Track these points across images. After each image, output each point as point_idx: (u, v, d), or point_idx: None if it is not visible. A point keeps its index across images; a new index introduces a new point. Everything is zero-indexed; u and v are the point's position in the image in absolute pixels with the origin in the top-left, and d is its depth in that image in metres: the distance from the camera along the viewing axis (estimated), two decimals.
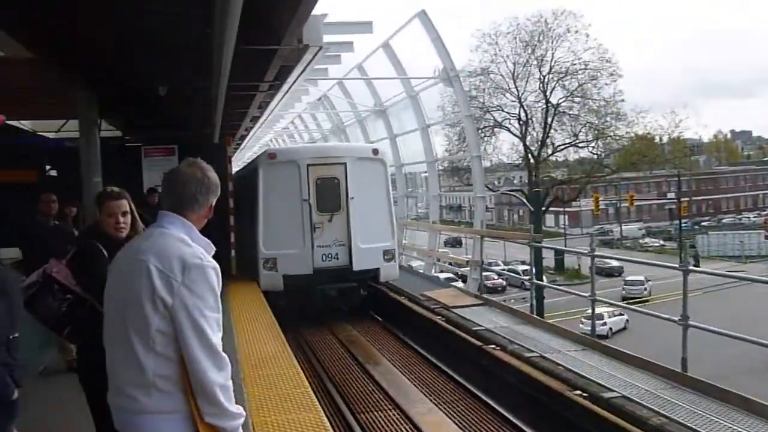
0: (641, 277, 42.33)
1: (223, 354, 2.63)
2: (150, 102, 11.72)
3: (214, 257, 2.74)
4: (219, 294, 2.66)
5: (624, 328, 33.00)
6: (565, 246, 44.28)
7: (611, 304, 10.81)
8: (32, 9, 6.55)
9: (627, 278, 44.03)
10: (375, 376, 10.11)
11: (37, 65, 8.54)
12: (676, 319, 8.11)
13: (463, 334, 10.81)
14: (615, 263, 45.11)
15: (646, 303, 38.42)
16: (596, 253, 10.42)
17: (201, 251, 2.70)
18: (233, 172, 15.43)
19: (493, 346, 9.87)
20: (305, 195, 13.32)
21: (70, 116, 11.87)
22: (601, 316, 36.49)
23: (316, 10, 8.29)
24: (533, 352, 9.21)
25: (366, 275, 13.77)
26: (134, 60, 9.13)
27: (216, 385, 2.58)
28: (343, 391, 9.47)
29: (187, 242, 2.70)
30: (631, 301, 38.66)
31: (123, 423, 2.70)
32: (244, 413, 2.72)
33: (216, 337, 2.61)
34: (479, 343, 10.15)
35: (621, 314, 32.19)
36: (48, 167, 12.97)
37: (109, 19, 7.22)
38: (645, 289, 42.06)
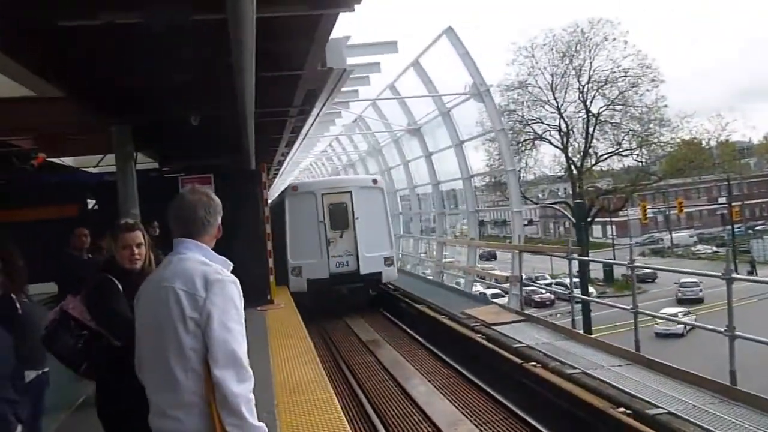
0: (695, 279, 41.45)
1: (248, 367, 2.70)
2: (184, 132, 11.87)
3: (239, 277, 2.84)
4: (241, 307, 2.79)
5: (681, 335, 32.09)
6: (614, 257, 43.39)
7: (654, 317, 10.41)
8: (52, 51, 6.70)
9: (681, 280, 43.45)
10: (414, 397, 9.97)
11: (68, 103, 8.74)
12: (722, 330, 7.79)
13: (504, 352, 10.63)
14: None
15: (701, 305, 38.32)
16: (636, 264, 10.10)
17: (220, 268, 2.84)
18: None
19: (533, 363, 9.66)
20: (321, 217, 17.20)
21: (107, 151, 12.12)
22: (676, 315, 36.55)
23: (338, 33, 8.36)
24: (575, 368, 8.99)
25: (371, 277, 17.32)
26: (164, 93, 9.29)
27: (238, 397, 2.64)
28: (381, 414, 9.36)
29: (206, 263, 2.84)
30: (686, 302, 40.45)
31: None
32: (266, 429, 2.74)
33: (241, 349, 2.70)
34: (519, 361, 9.95)
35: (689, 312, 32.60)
36: (89, 201, 13.28)
37: (133, 62, 7.41)
38: (700, 290, 42.11)
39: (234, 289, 2.78)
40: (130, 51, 7.12)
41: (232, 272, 2.87)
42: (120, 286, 3.81)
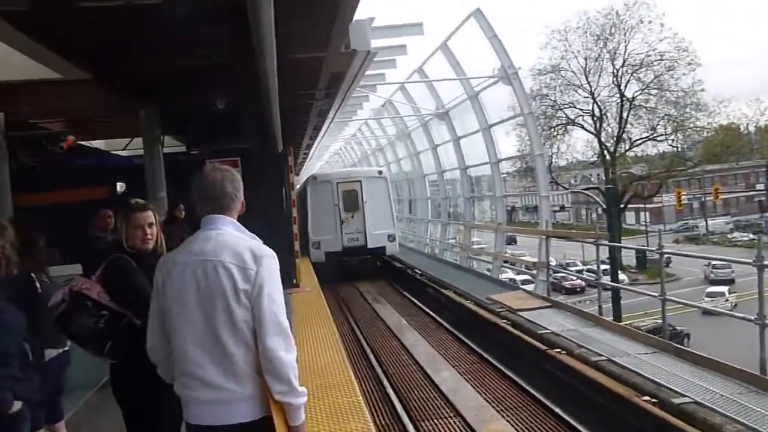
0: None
1: (292, 337, 2.86)
2: (210, 116, 11.96)
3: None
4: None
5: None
6: (647, 244, 42.72)
7: (683, 304, 10.24)
8: (78, 33, 6.75)
9: (713, 262, 43.27)
10: (437, 382, 9.94)
11: (95, 86, 8.83)
12: (752, 318, 7.61)
13: (528, 338, 10.54)
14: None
15: (734, 286, 38.53)
16: (665, 250, 9.89)
17: (260, 242, 2.97)
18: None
19: (558, 349, 9.56)
20: (336, 201, 20.83)
21: (135, 134, 12.26)
22: (723, 293, 37.35)
23: (362, 15, 8.29)
24: (601, 355, 8.87)
25: (377, 251, 21.10)
26: (190, 77, 9.32)
27: (288, 365, 2.78)
28: (404, 398, 9.34)
29: (245, 237, 2.95)
30: (718, 283, 41.07)
31: (214, 414, 2.84)
32: (307, 393, 2.90)
33: (285, 320, 2.85)
34: (544, 347, 9.86)
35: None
36: (119, 184, 13.44)
37: (158, 45, 7.46)
38: (732, 272, 42.24)
39: (276, 263, 2.91)
40: (154, 34, 7.15)
41: None
42: (135, 264, 3.81)
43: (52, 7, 5.69)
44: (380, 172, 23.06)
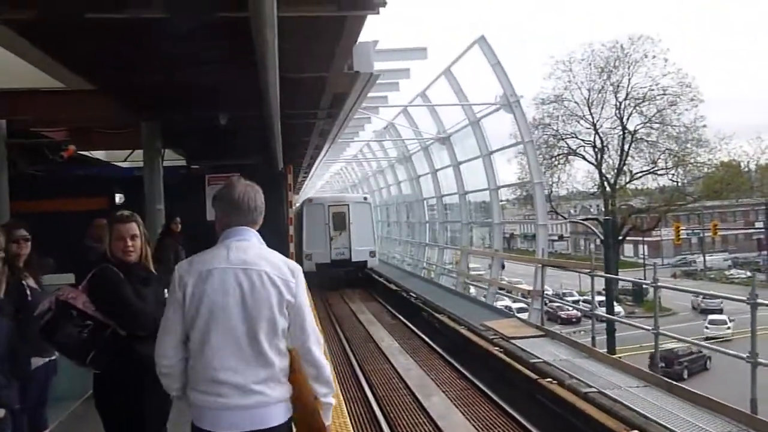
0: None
1: None
2: (212, 131, 12.00)
3: None
4: None
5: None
6: (644, 277, 42.62)
7: (676, 339, 10.19)
8: (83, 44, 6.79)
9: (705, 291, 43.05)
10: (426, 407, 9.87)
11: (99, 97, 8.88)
12: (744, 356, 7.58)
13: (520, 366, 10.47)
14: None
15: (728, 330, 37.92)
16: (661, 283, 9.88)
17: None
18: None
19: (549, 379, 9.50)
20: (327, 221, 24.68)
21: (136, 146, 12.29)
22: (724, 321, 37.71)
23: (367, 37, 8.34)
24: (591, 387, 8.80)
25: (359, 264, 24.95)
26: (192, 92, 9.37)
27: (326, 368, 2.99)
28: (392, 422, 9.27)
29: (269, 250, 3.05)
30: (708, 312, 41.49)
31: (252, 419, 2.86)
32: None
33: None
34: (535, 376, 9.79)
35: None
36: (117, 195, 13.46)
37: (162, 59, 7.53)
38: (721, 302, 42.21)
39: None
40: (157, 48, 7.21)
41: None
42: (121, 275, 3.79)
43: (58, 18, 5.73)
44: (365, 198, 27.85)
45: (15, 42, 6.37)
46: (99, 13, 5.69)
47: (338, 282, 24.32)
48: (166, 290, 3.65)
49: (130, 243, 3.81)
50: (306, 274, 3.07)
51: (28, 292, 4.64)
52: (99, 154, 14.51)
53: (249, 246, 2.97)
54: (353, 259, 24.67)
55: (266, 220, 10.90)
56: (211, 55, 7.28)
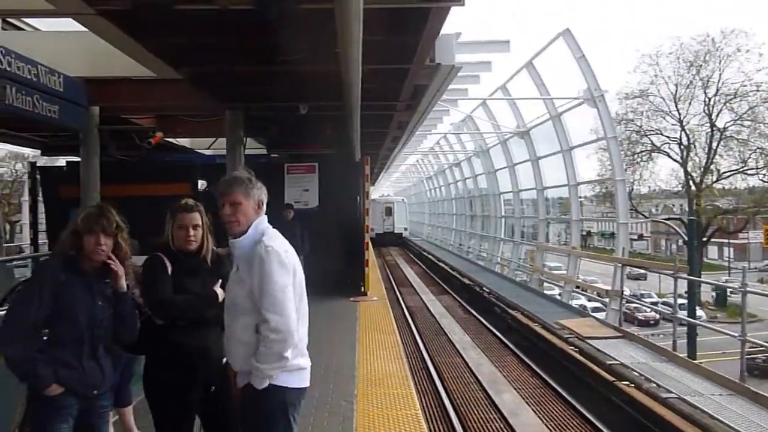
0: None
1: None
2: (292, 121, 12.21)
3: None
4: None
5: None
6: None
7: (763, 346, 9.67)
8: (172, 34, 7.01)
9: None
10: (498, 405, 9.77)
11: (186, 86, 9.15)
12: None
13: (596, 367, 10.22)
14: None
15: None
16: (749, 288, 9.42)
17: None
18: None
19: (626, 382, 9.24)
20: (381, 211, 44.00)
21: (219, 134, 12.63)
22: None
23: (449, 29, 8.29)
24: (671, 392, 8.51)
25: (398, 234, 45.52)
26: (275, 82, 9.56)
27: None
28: (463, 417, 9.22)
29: None
30: None
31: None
32: None
33: None
34: (612, 379, 9.54)
35: None
36: (200, 181, 13.87)
37: (248, 50, 7.71)
38: None
39: None
40: (244, 39, 7.37)
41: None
42: (169, 266, 3.80)
43: (150, 8, 5.93)
44: (403, 200, 50.76)
45: (109, 31, 6.64)
46: (188, 4, 5.86)
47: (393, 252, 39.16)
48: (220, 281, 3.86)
49: (192, 233, 3.81)
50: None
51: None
52: (184, 142, 14.99)
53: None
54: (395, 231, 45.51)
55: (345, 208, 11.26)
56: (296, 46, 7.38)
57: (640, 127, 42.79)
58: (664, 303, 36.70)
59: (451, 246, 40.61)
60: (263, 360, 3.16)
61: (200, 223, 3.87)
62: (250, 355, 3.22)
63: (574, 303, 19.24)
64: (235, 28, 6.82)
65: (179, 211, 3.86)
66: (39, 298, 3.30)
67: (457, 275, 24.41)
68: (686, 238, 31.86)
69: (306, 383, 3.36)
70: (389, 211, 45.11)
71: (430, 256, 34.31)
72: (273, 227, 3.39)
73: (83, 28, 6.98)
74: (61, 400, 3.35)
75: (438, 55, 8.48)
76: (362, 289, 14.07)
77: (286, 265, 3.22)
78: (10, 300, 3.40)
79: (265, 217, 3.40)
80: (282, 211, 11.91)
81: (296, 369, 3.28)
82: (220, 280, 3.82)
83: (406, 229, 46.83)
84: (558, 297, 18.48)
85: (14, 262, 15.03)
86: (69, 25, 8.35)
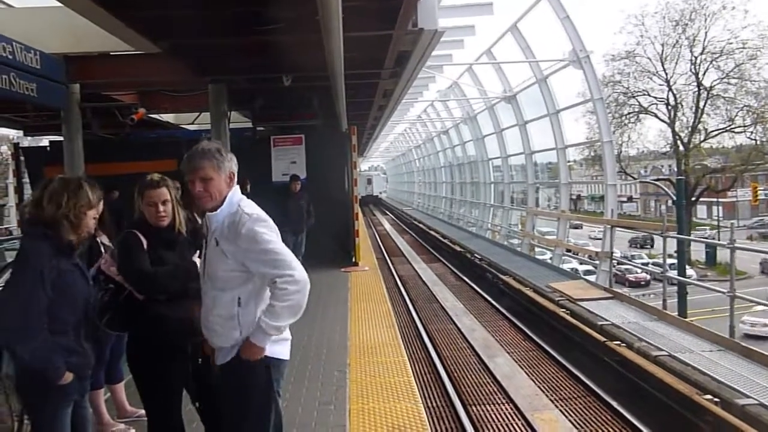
0: None
1: None
2: (277, 92, 12.06)
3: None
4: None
5: None
6: (718, 239, 41.15)
7: (752, 301, 9.67)
8: (150, 7, 6.88)
9: None
10: (491, 368, 9.85)
11: (166, 60, 9.00)
12: None
13: (587, 329, 10.33)
14: None
15: None
16: (737, 245, 9.47)
17: None
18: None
19: (618, 342, 9.34)
20: (365, 181, 65.89)
21: (203, 109, 12.47)
22: None
23: None
24: (662, 350, 8.63)
25: (377, 197, 71.26)
26: (257, 53, 9.40)
27: None
28: (456, 382, 9.29)
29: None
30: None
31: None
32: None
33: None
34: (603, 339, 9.65)
35: None
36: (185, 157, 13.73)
37: (227, 20, 7.57)
38: None
39: None
40: (222, 9, 7.24)
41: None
42: (144, 242, 3.78)
43: None
44: (379, 174, 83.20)
45: (85, 5, 6.50)
46: None
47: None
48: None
49: (162, 208, 3.78)
50: None
51: (103, 250, 4.79)
52: (168, 118, 14.81)
53: None
54: (373, 194, 68.18)
55: (334, 179, 11.21)
56: (276, 16, 7.25)
57: (627, 88, 42.75)
58: (654, 263, 36.99)
59: (441, 214, 40.66)
60: (278, 317, 3.09)
61: (169, 197, 3.83)
62: (232, 330, 3.18)
63: (566, 267, 19.33)
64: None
65: (147, 188, 3.81)
66: (42, 286, 3.16)
67: (449, 243, 24.47)
68: (674, 199, 32.07)
69: (288, 356, 3.34)
70: (369, 181, 70.50)
71: (420, 225, 34.37)
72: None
73: (58, 3, 6.83)
74: (69, 387, 3.30)
75: (420, 19, 8.34)
76: (353, 260, 14.08)
77: (271, 226, 3.18)
78: (6, 293, 3.25)
79: (238, 188, 3.32)
80: (290, 183, 11.83)
81: (282, 339, 3.26)
82: (197, 251, 3.80)
83: (380, 193, 75.29)
84: (549, 261, 18.56)
85: (3, 245, 15.01)
86: (43, 0, 8.20)
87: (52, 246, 3.24)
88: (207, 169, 3.17)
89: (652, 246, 48.53)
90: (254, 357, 3.15)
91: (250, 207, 3.23)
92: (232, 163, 3.27)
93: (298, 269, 3.10)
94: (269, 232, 3.14)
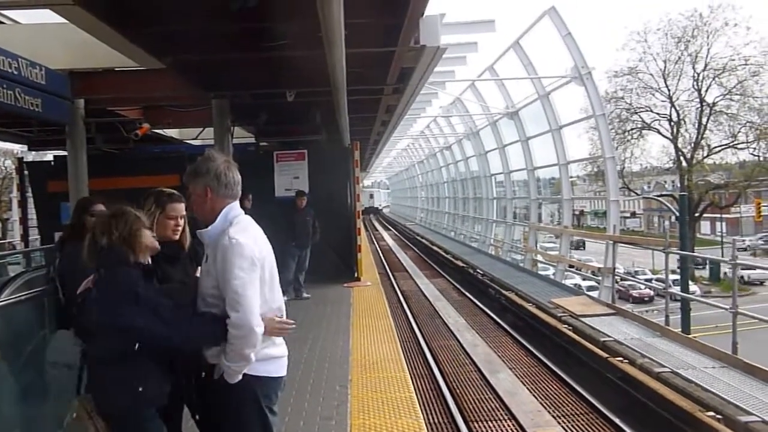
0: None
1: None
2: (280, 107, 12.14)
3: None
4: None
5: None
6: (722, 255, 41.03)
7: (755, 318, 9.57)
8: (154, 23, 6.95)
9: None
10: (493, 384, 9.80)
11: (170, 75, 9.09)
12: None
13: (590, 345, 10.29)
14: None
15: None
16: (739, 261, 9.46)
17: None
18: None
19: (620, 358, 9.30)
20: (368, 196, 79.59)
21: (207, 124, 12.56)
22: None
23: (434, 10, 8.24)
24: (665, 367, 8.58)
25: (378, 209, 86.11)
26: (261, 69, 9.49)
27: None
28: (458, 398, 9.24)
29: None
30: None
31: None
32: None
33: None
34: (605, 355, 9.61)
35: None
36: None
37: (230, 37, 7.64)
38: None
39: None
40: (226, 25, 7.31)
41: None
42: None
43: None
44: (379, 190, 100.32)
45: (87, 21, 6.57)
46: None
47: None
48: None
49: (180, 222, 3.75)
50: None
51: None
52: (171, 133, 14.90)
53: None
54: (374, 206, 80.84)
55: (336, 195, 11.26)
56: (280, 32, 7.33)
57: (630, 104, 42.99)
58: (657, 279, 36.87)
59: (444, 229, 40.65)
60: (228, 358, 3.07)
61: (184, 213, 3.82)
62: (220, 348, 3.13)
63: (569, 282, 19.31)
64: (216, 14, 6.76)
65: (169, 201, 3.76)
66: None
67: (451, 258, 24.46)
68: (677, 214, 32.03)
69: (282, 372, 3.28)
70: (372, 196, 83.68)
71: (423, 240, 34.35)
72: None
73: (63, 20, 6.91)
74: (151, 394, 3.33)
75: (423, 36, 8.43)
76: (355, 275, 14.07)
77: (249, 258, 3.07)
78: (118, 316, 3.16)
79: (237, 203, 3.26)
80: (295, 199, 11.83)
81: (271, 358, 3.22)
82: (199, 267, 3.79)
83: (380, 206, 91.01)
84: (552, 277, 18.54)
85: (7, 259, 15.02)
86: (49, 16, 8.28)
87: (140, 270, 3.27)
88: (188, 185, 3.26)
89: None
90: (234, 381, 3.13)
91: (238, 231, 3.14)
92: (207, 178, 3.19)
93: (244, 313, 3.02)
94: (242, 265, 3.04)
